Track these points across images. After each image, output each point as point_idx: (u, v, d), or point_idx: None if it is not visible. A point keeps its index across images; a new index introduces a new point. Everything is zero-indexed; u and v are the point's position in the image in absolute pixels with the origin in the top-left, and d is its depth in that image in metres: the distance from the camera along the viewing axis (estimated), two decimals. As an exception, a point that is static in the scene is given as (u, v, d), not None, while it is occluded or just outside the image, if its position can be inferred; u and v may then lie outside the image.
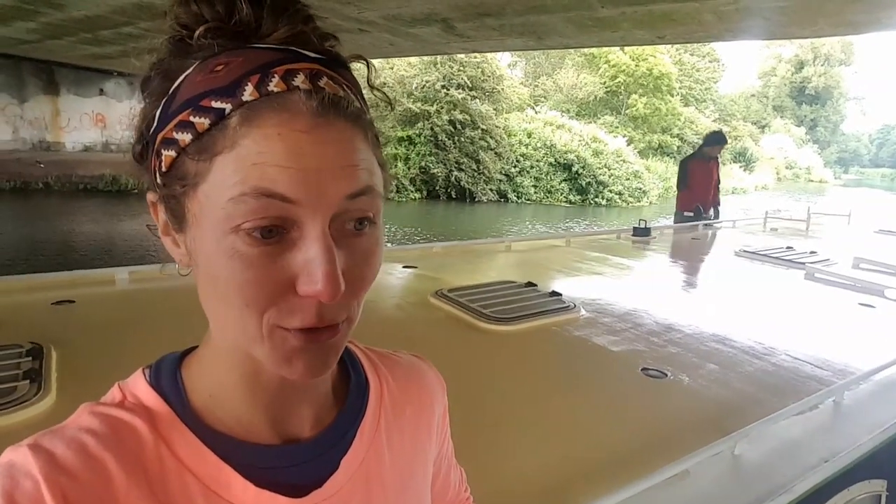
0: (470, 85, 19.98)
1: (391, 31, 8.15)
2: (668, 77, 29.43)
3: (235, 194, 0.36)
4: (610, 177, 21.13)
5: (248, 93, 0.36)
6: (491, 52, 16.64)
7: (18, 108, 14.59)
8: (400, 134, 18.72)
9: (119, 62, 13.67)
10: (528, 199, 20.23)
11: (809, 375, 1.65)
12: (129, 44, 10.71)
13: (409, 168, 18.52)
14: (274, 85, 0.36)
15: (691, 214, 5.72)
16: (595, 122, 26.44)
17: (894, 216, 6.43)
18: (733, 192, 28.02)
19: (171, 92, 0.39)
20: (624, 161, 22.09)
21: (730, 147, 31.27)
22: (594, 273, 2.87)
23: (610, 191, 20.95)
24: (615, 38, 8.50)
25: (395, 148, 18.41)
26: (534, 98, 28.18)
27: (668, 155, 28.24)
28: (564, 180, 20.92)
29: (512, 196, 20.05)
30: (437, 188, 19.06)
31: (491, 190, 19.69)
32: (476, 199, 19.22)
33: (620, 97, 29.58)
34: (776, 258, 3.34)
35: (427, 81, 19.43)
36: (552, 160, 20.93)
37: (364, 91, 0.43)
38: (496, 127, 20.22)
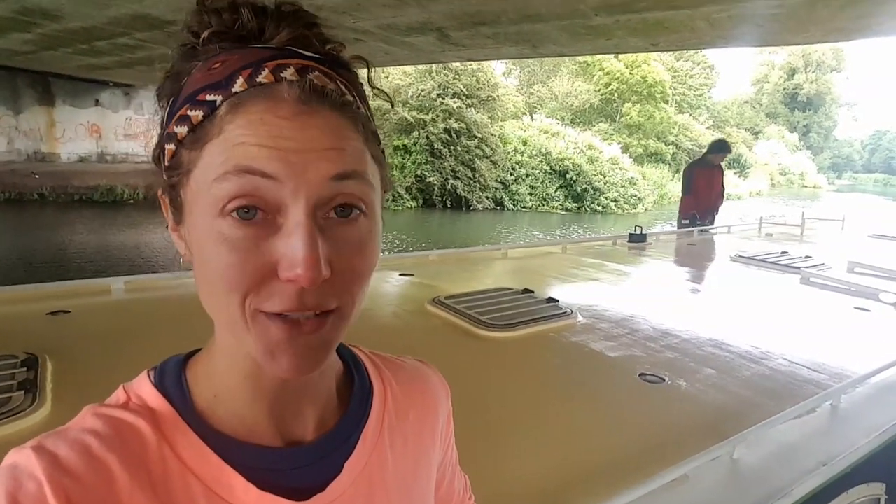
0: (465, 93, 20.06)
1: (386, 41, 8.19)
2: (662, 84, 29.65)
3: (219, 174, 0.37)
4: (605, 184, 21.19)
5: (239, 84, 0.38)
6: (486, 60, 16.73)
7: (13, 119, 14.58)
8: (395, 143, 18.76)
9: (115, 73, 13.70)
10: (524, 207, 20.26)
11: (806, 379, 1.65)
12: (125, 54, 10.74)
13: (404, 177, 18.54)
14: (263, 77, 0.38)
15: (688, 221, 5.79)
16: (590, 129, 26.57)
17: (888, 221, 6.47)
18: (728, 199, 28.15)
19: (177, 92, 0.41)
20: (619, 168, 22.17)
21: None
22: (591, 279, 2.88)
23: (605, 198, 21.01)
24: (609, 46, 8.58)
25: (391, 157, 18.42)
26: (529, 106, 28.33)
27: (663, 162, 28.37)
28: (560, 187, 20.98)
29: (508, 204, 20.08)
30: (433, 196, 19.08)
31: (487, 198, 19.72)
32: (472, 207, 19.24)
33: (615, 104, 29.75)
34: (771, 263, 3.35)
35: (422, 90, 19.50)
36: (548, 168, 20.99)
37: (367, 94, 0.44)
38: (492, 135, 20.29)
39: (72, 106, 15.45)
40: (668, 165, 28.25)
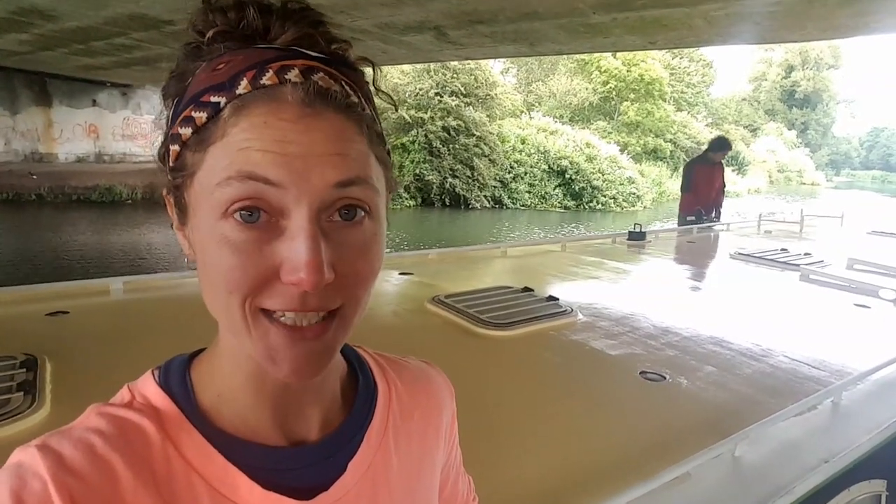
0: (463, 92, 20.04)
1: (384, 40, 8.18)
2: (660, 82, 29.64)
3: (222, 178, 0.37)
4: (604, 182, 21.20)
5: (242, 86, 0.37)
6: (484, 58, 16.72)
7: (10, 120, 14.55)
8: (394, 142, 18.75)
9: (112, 73, 13.68)
10: (523, 205, 20.26)
11: (807, 376, 1.65)
12: (122, 54, 10.72)
13: (403, 175, 18.52)
14: (267, 79, 0.37)
15: (693, 218, 5.78)
16: (588, 127, 26.56)
17: (886, 217, 6.48)
18: (727, 196, 28.18)
19: (182, 92, 0.41)
20: (618, 166, 22.18)
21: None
22: (590, 277, 2.87)
23: (604, 196, 21.02)
24: (607, 44, 8.56)
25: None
26: (527, 104, 28.30)
27: (661, 159, 28.38)
28: (559, 186, 20.98)
29: (507, 202, 20.09)
30: (432, 195, 19.07)
31: (485, 196, 19.72)
32: (470, 206, 19.24)
33: (613, 102, 29.75)
34: (771, 260, 3.35)
35: (420, 89, 19.48)
36: (546, 166, 20.99)
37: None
38: (490, 133, 20.28)
39: (69, 106, 15.42)
40: (666, 163, 28.26)
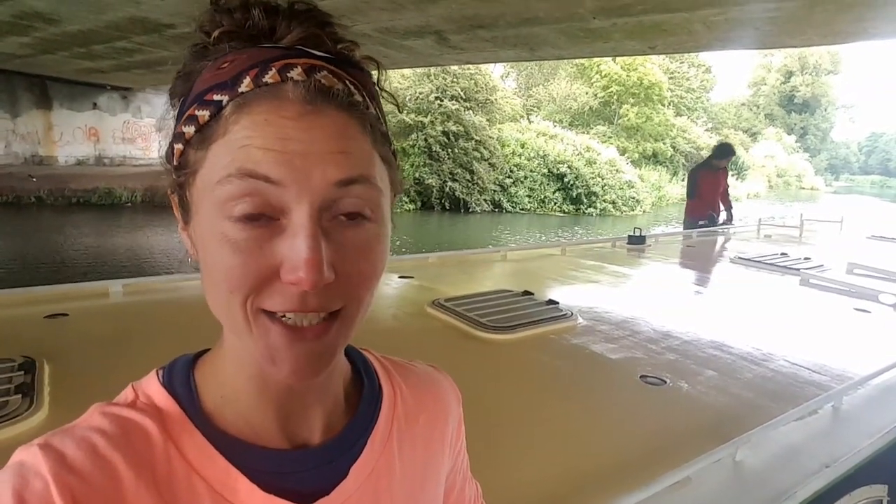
0: (463, 96, 20.11)
1: (385, 44, 8.20)
2: (659, 86, 29.70)
3: (223, 176, 0.37)
4: (603, 186, 21.23)
5: (245, 84, 0.37)
6: (484, 63, 16.77)
7: (11, 123, 14.57)
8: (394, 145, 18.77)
9: (112, 76, 13.71)
10: (523, 209, 20.29)
11: (808, 381, 1.65)
12: (122, 58, 10.74)
13: (403, 179, 18.52)
14: (269, 77, 0.37)
15: (705, 222, 5.81)
16: (588, 132, 26.61)
17: (886, 222, 6.48)
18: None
19: (187, 91, 0.41)
20: (617, 170, 22.21)
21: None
22: (590, 281, 2.87)
23: (603, 200, 21.04)
24: (607, 49, 8.60)
25: (390, 159, 18.44)
26: (527, 109, 28.36)
27: (660, 164, 28.42)
28: (558, 190, 21.01)
29: (506, 206, 20.11)
30: (432, 199, 19.09)
31: (485, 200, 19.75)
32: (470, 210, 19.26)
33: (613, 107, 29.81)
34: (771, 265, 3.35)
35: (420, 93, 19.54)
36: (546, 170, 21.02)
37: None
38: (490, 138, 20.32)
39: (69, 109, 15.45)
40: (665, 167, 28.30)
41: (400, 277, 2.61)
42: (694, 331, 2.04)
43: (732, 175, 34.27)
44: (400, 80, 19.61)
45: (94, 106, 15.89)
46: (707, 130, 34.70)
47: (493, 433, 1.21)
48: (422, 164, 18.93)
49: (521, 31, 7.21)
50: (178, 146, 0.40)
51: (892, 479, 1.43)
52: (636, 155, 27.48)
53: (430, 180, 18.88)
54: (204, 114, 0.38)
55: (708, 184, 6.03)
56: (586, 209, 20.83)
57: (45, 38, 9.46)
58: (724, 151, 6.19)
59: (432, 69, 18.79)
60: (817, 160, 57.50)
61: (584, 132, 25.76)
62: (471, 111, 20.10)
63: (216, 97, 0.38)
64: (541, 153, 21.33)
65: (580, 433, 1.30)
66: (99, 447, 0.38)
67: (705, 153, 6.43)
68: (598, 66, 29.01)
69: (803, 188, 45.99)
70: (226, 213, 0.37)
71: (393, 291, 2.44)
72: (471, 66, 18.62)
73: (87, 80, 14.52)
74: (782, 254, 3.66)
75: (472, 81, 20.55)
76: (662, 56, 30.46)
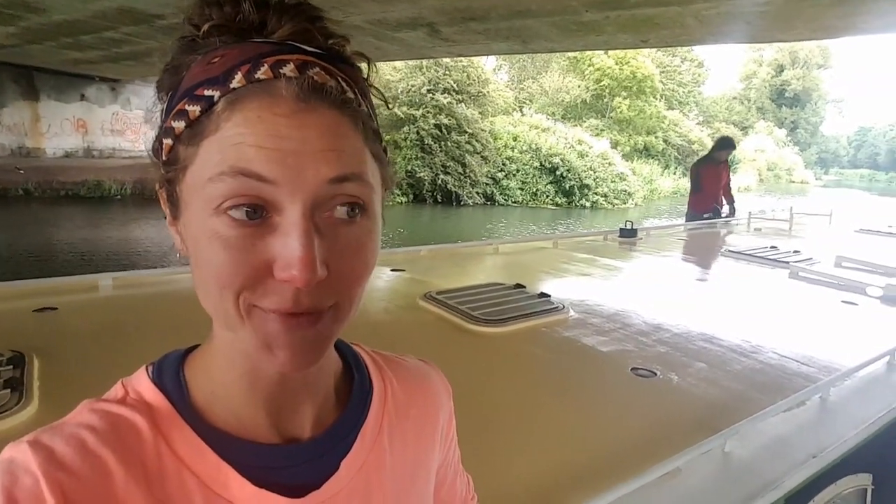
0: (455, 89, 20.03)
1: (376, 36, 8.15)
2: (652, 79, 29.73)
3: (215, 174, 0.36)
4: (595, 179, 21.28)
5: (237, 80, 0.37)
6: (476, 55, 16.69)
7: (-3, 114, 14.35)
8: (386, 138, 18.48)
9: (101, 67, 13.54)
10: (515, 202, 20.31)
11: (796, 372, 1.67)
12: (111, 49, 10.60)
13: (395, 172, 18.45)
14: (262, 73, 0.37)
15: (710, 215, 5.88)
16: (580, 125, 26.62)
17: (873, 216, 6.55)
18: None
19: (176, 85, 0.40)
20: (609, 163, 22.26)
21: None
22: (582, 274, 2.88)
23: (595, 193, 21.10)
24: (599, 42, 8.59)
25: (382, 152, 18.39)
26: (519, 101, 28.33)
27: (652, 157, 28.50)
28: (550, 183, 21.03)
29: (499, 199, 20.12)
30: (424, 192, 19.06)
31: (477, 193, 19.74)
32: (462, 203, 19.25)
33: (605, 100, 29.83)
34: (761, 258, 3.38)
35: (412, 86, 19.45)
36: (538, 163, 21.04)
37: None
38: (482, 130, 20.29)
39: (57, 100, 15.22)
40: (657, 161, 28.39)
41: (392, 270, 2.61)
42: (684, 323, 2.06)
43: (724, 168, 34.55)
44: (392, 73, 19.50)
45: (82, 97, 15.67)
46: (699, 124, 34.86)
47: (485, 426, 1.22)
48: (414, 156, 18.88)
49: (514, 23, 7.19)
50: (168, 141, 0.40)
51: (876, 468, 1.46)
52: (628, 148, 27.56)
53: (423, 173, 18.84)
54: (195, 109, 0.38)
55: (710, 177, 6.10)
56: (578, 202, 20.88)
57: (31, 28, 9.31)
58: (724, 144, 6.27)
59: (424, 62, 18.70)
60: (807, 154, 57.88)
61: (576, 125, 25.76)
62: (463, 104, 20.05)
63: (207, 92, 0.37)
64: (533, 146, 21.33)
65: (571, 425, 1.31)
66: (89, 443, 0.38)
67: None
68: (590, 59, 28.98)
69: (793, 182, 46.30)
70: (218, 210, 0.37)
71: (385, 284, 2.43)
72: (463, 58, 18.56)
73: (75, 70, 14.31)
74: (772, 247, 3.70)
75: (465, 74, 20.48)
76: (655, 50, 30.47)
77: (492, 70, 26.60)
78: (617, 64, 28.82)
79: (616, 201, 21.48)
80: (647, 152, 28.78)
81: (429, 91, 19.46)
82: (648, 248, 3.82)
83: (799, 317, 2.41)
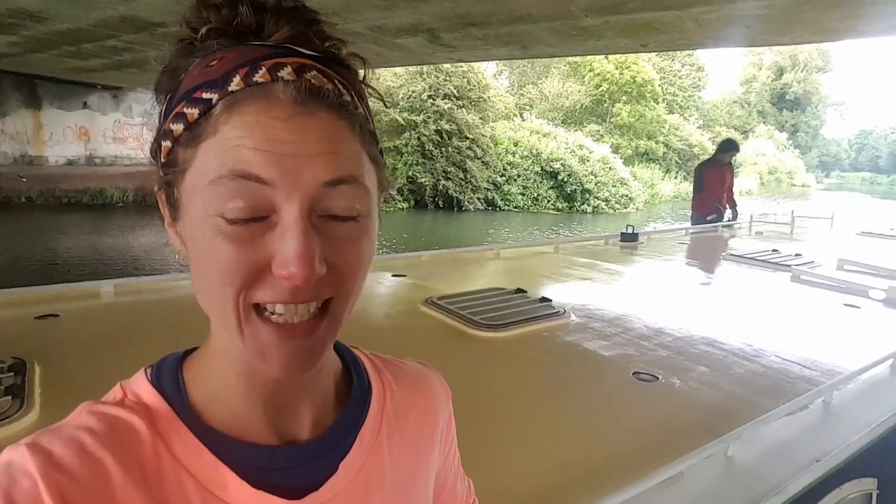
0: (456, 94, 20.06)
1: (377, 42, 8.17)
2: (652, 84, 29.77)
3: (214, 177, 0.37)
4: (596, 184, 21.28)
5: (235, 83, 0.37)
6: (476, 61, 16.76)
7: (-1, 123, 14.41)
8: (387, 144, 18.73)
9: (103, 75, 13.58)
10: (516, 207, 20.30)
11: (799, 376, 1.66)
12: (113, 57, 10.65)
13: (396, 178, 18.52)
14: (260, 76, 0.37)
15: (714, 217, 5.89)
16: (581, 129, 26.63)
17: (875, 218, 6.54)
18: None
19: (174, 88, 0.41)
20: (610, 168, 22.26)
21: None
22: (583, 279, 2.88)
23: (596, 198, 21.09)
24: (599, 47, 8.61)
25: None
26: (519, 107, 28.36)
27: (653, 161, 28.50)
28: (551, 188, 21.03)
29: (500, 204, 20.12)
30: (425, 197, 19.07)
31: (478, 199, 19.74)
32: (463, 208, 19.25)
33: (605, 105, 29.86)
34: (762, 261, 3.38)
35: (413, 92, 19.49)
36: (539, 168, 21.05)
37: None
38: (483, 136, 20.31)
39: (59, 109, 15.27)
40: (658, 165, 28.38)
41: (393, 276, 2.61)
42: (686, 327, 2.05)
43: (726, 172, 34.54)
44: (392, 79, 19.56)
45: (85, 105, 15.73)
46: (699, 128, 34.84)
47: (487, 430, 1.22)
48: (415, 162, 18.90)
49: (513, 28, 7.21)
50: (167, 143, 0.40)
51: (881, 473, 1.45)
52: (629, 152, 27.55)
53: (424, 179, 18.85)
54: (193, 112, 0.38)
55: (713, 179, 6.12)
56: (580, 206, 20.87)
57: (33, 37, 9.35)
58: (728, 146, 6.31)
59: (425, 67, 18.74)
60: (808, 157, 57.85)
61: (576, 130, 25.78)
62: (463, 109, 20.08)
63: (205, 95, 0.38)
64: (534, 151, 21.35)
65: (573, 430, 1.30)
66: (87, 445, 0.38)
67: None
68: (590, 63, 29.03)
69: (795, 185, 46.26)
70: (218, 212, 0.37)
71: (386, 290, 2.43)
72: (463, 64, 18.60)
73: (77, 79, 14.36)
74: (773, 250, 3.69)
75: (465, 80, 20.52)
76: (655, 54, 30.54)
77: (492, 75, 26.69)
78: (617, 69, 28.87)
79: (617, 206, 21.47)
80: (647, 157, 28.77)
81: (429, 97, 19.50)
82: (650, 252, 3.82)
83: (801, 320, 2.40)
